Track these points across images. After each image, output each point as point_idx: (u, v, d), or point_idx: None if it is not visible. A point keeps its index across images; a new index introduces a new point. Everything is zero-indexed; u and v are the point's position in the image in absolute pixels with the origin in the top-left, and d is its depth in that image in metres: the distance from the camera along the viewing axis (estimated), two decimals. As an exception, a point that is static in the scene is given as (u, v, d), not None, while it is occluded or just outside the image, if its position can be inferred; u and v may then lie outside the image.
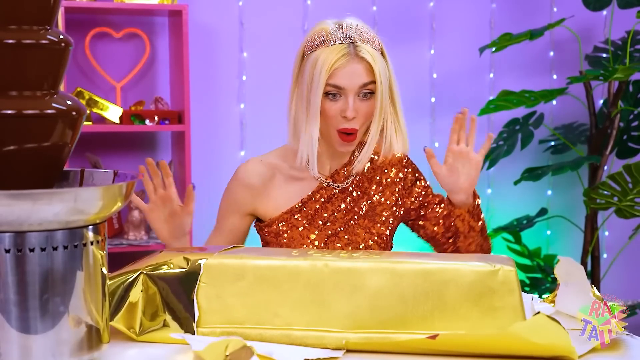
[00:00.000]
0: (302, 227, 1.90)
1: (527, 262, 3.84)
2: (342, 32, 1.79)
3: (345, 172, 1.93)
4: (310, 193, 1.91)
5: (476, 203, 1.94)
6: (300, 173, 1.93)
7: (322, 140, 1.88)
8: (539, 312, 1.35)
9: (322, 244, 1.90)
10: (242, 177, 1.93)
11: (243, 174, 1.93)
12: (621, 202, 3.36)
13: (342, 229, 1.91)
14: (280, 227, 1.90)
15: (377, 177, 1.96)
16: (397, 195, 1.96)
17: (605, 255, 4.00)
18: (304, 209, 1.91)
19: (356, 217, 1.92)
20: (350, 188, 1.93)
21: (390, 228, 1.95)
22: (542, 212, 3.75)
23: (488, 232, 2.02)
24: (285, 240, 1.90)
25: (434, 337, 1.35)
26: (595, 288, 1.52)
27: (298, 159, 1.85)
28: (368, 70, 1.79)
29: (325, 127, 1.83)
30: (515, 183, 3.61)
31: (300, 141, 1.84)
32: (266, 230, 1.93)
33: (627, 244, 3.82)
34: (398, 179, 1.97)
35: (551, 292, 1.64)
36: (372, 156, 1.97)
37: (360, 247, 1.92)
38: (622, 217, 3.44)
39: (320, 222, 1.90)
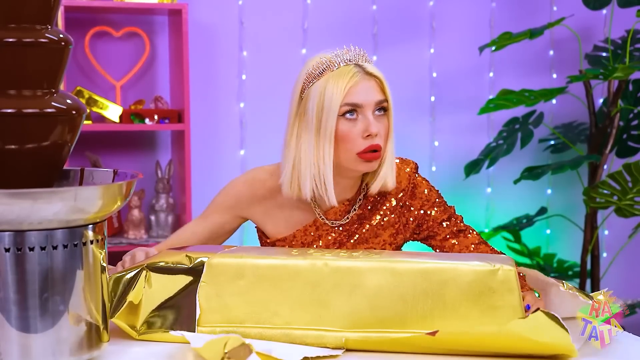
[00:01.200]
0: None
1: (526, 261, 3.84)
2: (344, 57, 1.72)
3: (348, 206, 1.82)
4: (304, 226, 1.83)
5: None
6: (299, 203, 1.82)
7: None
8: (538, 310, 1.35)
9: None
10: (253, 180, 1.86)
11: (259, 176, 1.86)
12: (621, 201, 3.36)
13: None
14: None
15: (379, 210, 1.83)
16: (397, 230, 1.85)
17: (605, 254, 4.00)
18: (299, 240, 1.83)
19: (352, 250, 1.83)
20: (347, 222, 1.83)
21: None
22: (542, 211, 3.75)
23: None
24: None
25: (433, 333, 1.35)
26: (565, 281, 1.52)
27: (304, 194, 1.73)
28: (380, 87, 1.73)
29: (344, 153, 1.71)
30: (515, 182, 3.61)
31: (307, 176, 1.72)
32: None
33: (627, 243, 3.82)
34: (399, 212, 1.84)
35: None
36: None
37: None
38: (621, 216, 3.44)
39: None
